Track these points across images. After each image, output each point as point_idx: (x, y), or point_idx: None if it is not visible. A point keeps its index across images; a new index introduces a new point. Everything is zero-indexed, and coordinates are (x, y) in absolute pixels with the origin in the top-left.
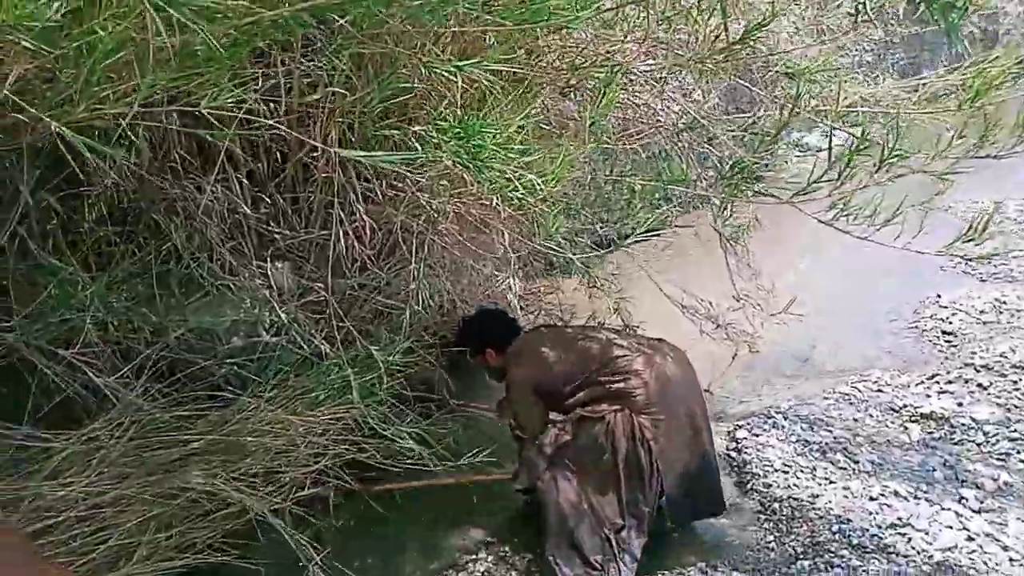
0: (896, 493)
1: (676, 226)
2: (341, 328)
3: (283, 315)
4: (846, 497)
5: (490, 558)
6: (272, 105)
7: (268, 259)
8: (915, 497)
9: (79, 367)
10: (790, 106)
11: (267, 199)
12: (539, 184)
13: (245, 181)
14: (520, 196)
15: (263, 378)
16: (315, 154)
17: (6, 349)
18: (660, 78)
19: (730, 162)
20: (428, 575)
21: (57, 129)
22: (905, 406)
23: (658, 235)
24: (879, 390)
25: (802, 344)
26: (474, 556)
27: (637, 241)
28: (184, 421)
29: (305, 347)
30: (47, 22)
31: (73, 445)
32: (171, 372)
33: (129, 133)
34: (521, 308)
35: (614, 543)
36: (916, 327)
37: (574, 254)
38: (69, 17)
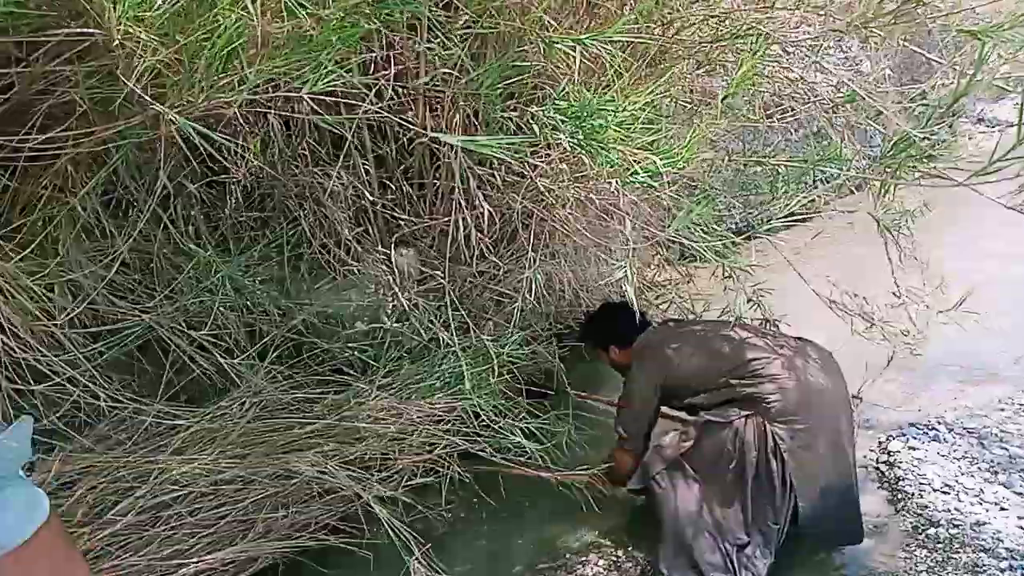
0: None
1: (830, 212)
2: (457, 316)
3: (404, 301)
4: (1020, 528)
5: (601, 562)
6: (396, 89)
7: (393, 245)
8: None
9: (208, 348)
10: (970, 72)
11: (393, 185)
12: (663, 167)
13: (371, 169)
14: (642, 180)
15: (382, 364)
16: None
17: (147, 329)
18: (816, 47)
19: (894, 139)
20: (535, 575)
21: (177, 124)
22: None
23: (805, 221)
24: None
25: (975, 346)
26: (584, 558)
27: (777, 229)
28: (303, 404)
29: (423, 334)
30: (162, 15)
31: (197, 422)
32: (297, 353)
33: (261, 121)
34: (647, 302)
35: (735, 561)
36: None
37: (707, 242)
38: (183, 8)
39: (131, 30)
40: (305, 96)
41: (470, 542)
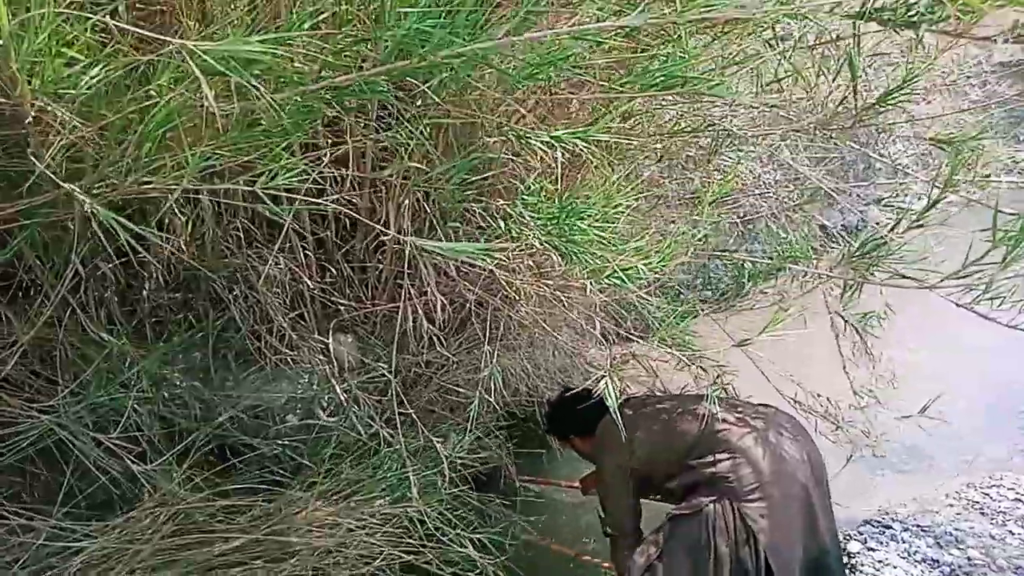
0: None
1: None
2: (403, 412)
3: (342, 393)
4: None
5: None
6: (342, 173)
7: (331, 331)
8: None
9: (117, 452)
10: (943, 179)
11: (332, 268)
12: (644, 271)
13: (310, 252)
14: (619, 282)
15: (317, 463)
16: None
17: (46, 430)
18: (774, 145)
19: (860, 238)
20: None
21: (92, 209)
22: None
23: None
24: (1018, 499)
25: (918, 437)
26: None
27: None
28: (227, 514)
29: (363, 431)
30: (85, 90)
31: (102, 540)
32: (221, 455)
33: (189, 203)
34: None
35: None
36: None
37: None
38: (112, 85)
39: (48, 107)
40: (259, 191)
41: None
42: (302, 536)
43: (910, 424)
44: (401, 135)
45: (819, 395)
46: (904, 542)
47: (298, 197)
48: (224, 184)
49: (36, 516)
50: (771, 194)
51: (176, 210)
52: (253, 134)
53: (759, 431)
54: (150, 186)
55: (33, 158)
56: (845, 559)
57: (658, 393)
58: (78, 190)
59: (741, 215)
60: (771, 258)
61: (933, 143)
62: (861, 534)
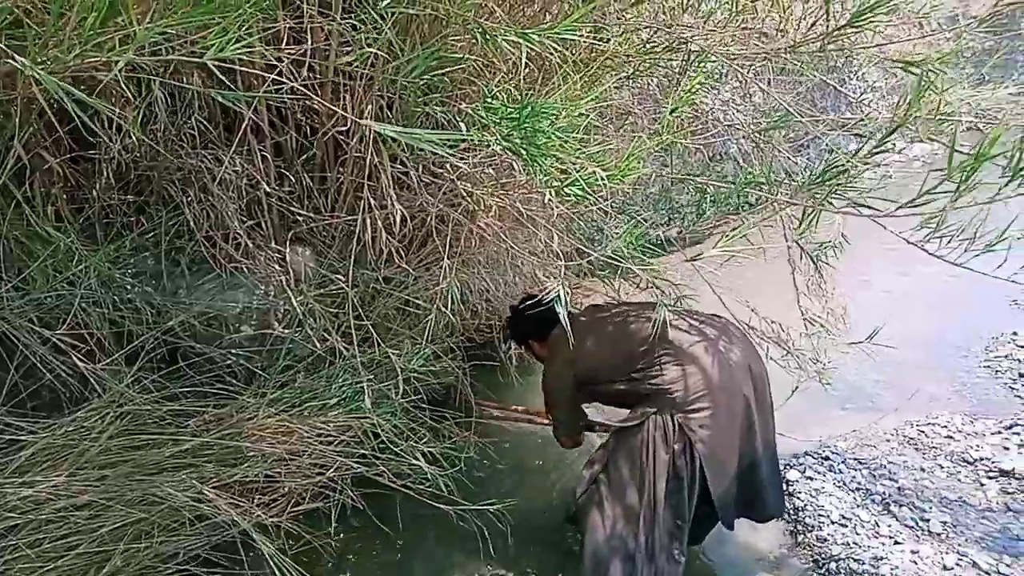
0: (975, 564)
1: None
2: (360, 326)
3: (298, 305)
4: (915, 563)
5: None
6: (303, 71)
7: (288, 242)
8: (998, 572)
9: (65, 350)
10: (905, 104)
11: (292, 177)
12: (603, 179)
13: (268, 156)
14: (578, 192)
15: (271, 374)
16: (347, 129)
17: None
18: (746, 68)
19: (820, 165)
20: None
21: (35, 76)
22: (980, 459)
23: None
24: (949, 437)
25: (861, 375)
26: None
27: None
28: (176, 417)
29: (318, 344)
30: None
31: (48, 437)
32: (171, 360)
33: (143, 91)
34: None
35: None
36: (990, 367)
37: (634, 257)
38: None
39: None
40: (208, 62)
41: (361, 575)
42: (254, 443)
43: (855, 362)
44: (367, 25)
45: (773, 321)
46: (840, 472)
47: (257, 95)
48: (173, 56)
49: None
50: (738, 121)
51: (128, 98)
52: (204, 5)
53: (709, 340)
54: (95, 59)
55: None
56: (784, 487)
57: (616, 302)
58: (24, 62)
59: (707, 144)
60: (733, 183)
61: (900, 66)
62: (801, 464)
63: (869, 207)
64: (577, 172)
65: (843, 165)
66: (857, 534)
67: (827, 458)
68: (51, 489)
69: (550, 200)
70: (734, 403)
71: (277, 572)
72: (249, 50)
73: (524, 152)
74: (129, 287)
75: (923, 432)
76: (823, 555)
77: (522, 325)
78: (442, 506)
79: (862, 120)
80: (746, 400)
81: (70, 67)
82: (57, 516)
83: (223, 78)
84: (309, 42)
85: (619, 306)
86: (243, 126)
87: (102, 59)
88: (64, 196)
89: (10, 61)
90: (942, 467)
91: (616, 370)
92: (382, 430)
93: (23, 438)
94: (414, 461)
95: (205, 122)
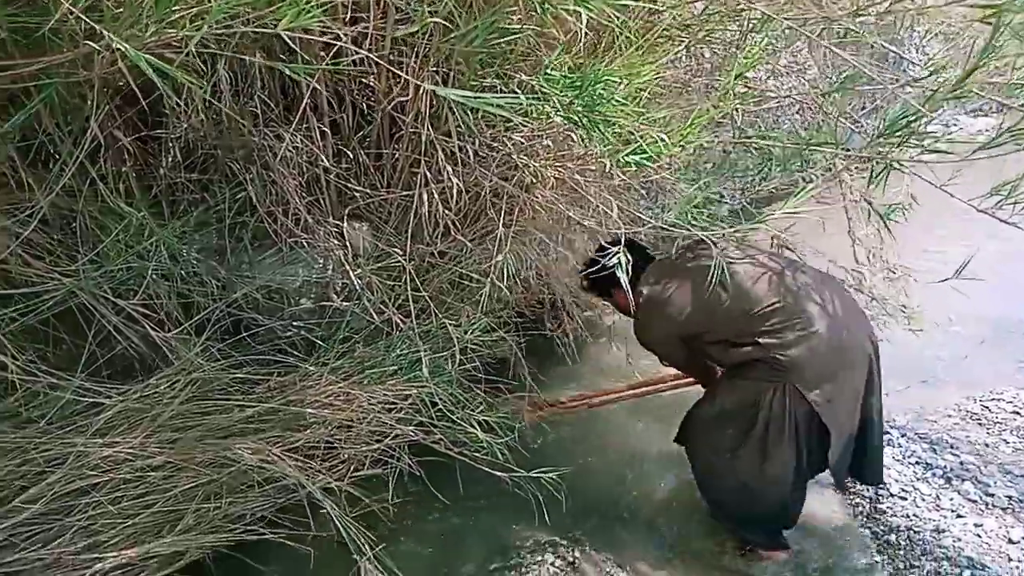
0: None
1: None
2: (417, 298)
3: (356, 279)
4: (979, 536)
5: (557, 562)
6: (363, 46)
7: (345, 218)
8: None
9: (138, 319)
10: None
11: (349, 154)
12: (667, 145)
13: (328, 133)
14: (640, 160)
15: (330, 345)
16: (403, 105)
17: (67, 294)
18: (808, 35)
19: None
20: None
21: (119, 47)
22: None
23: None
24: (1016, 412)
25: (922, 349)
26: (539, 557)
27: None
28: (243, 384)
29: (376, 316)
30: None
31: (123, 401)
32: (235, 331)
33: (208, 71)
34: None
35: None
36: None
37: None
38: None
39: None
40: (281, 33)
41: (419, 539)
42: (316, 410)
43: (920, 341)
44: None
45: (854, 270)
46: (900, 446)
47: (321, 66)
48: (247, 28)
49: (61, 377)
50: (798, 85)
51: (194, 78)
52: None
53: (833, 317)
54: (171, 35)
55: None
56: None
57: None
58: (110, 36)
59: (768, 106)
60: (796, 143)
61: (977, 14)
62: None
63: (943, 151)
64: (639, 139)
65: (912, 115)
66: (917, 507)
67: (886, 432)
68: (128, 450)
69: (609, 171)
70: (856, 375)
71: (344, 532)
72: (319, 20)
73: (586, 120)
74: (195, 261)
75: (987, 408)
76: (884, 527)
77: (605, 274)
78: (498, 472)
79: (932, 74)
80: (869, 364)
81: (147, 44)
82: (134, 476)
83: (283, 57)
84: (370, 16)
85: (711, 249)
86: (302, 105)
87: (178, 35)
88: (133, 174)
89: (92, 42)
90: (1007, 442)
91: (728, 329)
92: (438, 399)
93: (102, 401)
94: (470, 429)
95: (267, 100)
